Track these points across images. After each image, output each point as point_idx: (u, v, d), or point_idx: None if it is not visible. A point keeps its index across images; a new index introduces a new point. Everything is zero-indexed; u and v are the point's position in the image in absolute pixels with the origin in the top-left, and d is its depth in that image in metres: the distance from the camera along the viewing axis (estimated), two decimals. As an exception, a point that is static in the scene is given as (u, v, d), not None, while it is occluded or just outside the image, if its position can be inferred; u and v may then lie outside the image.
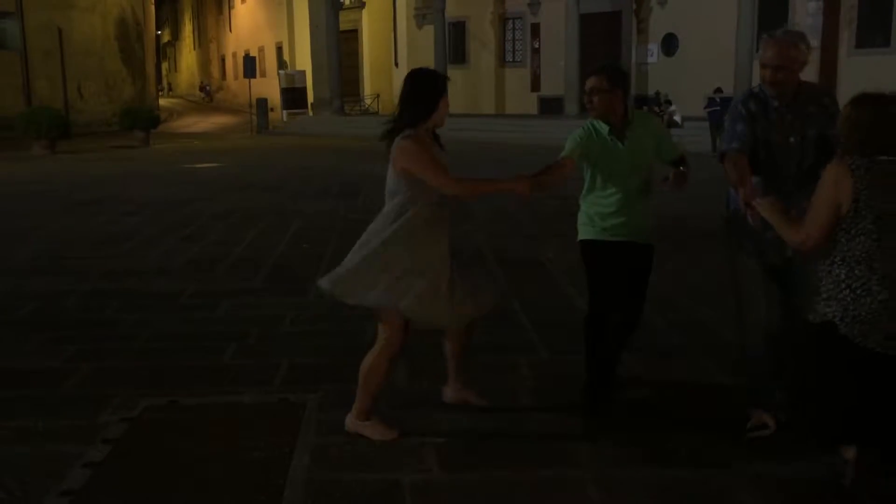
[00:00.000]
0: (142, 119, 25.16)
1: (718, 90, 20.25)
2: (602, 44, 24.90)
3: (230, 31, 50.77)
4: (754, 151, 3.85)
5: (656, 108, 21.43)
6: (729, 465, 3.68)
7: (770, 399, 3.93)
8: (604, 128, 4.14)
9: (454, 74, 30.76)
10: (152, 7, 41.85)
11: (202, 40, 58.88)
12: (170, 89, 70.12)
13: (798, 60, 3.78)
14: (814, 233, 3.22)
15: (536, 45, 28.28)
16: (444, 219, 3.91)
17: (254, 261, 8.13)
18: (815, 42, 21.56)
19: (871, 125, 3.12)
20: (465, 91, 28.08)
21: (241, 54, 40.62)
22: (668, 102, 21.92)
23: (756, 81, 4.12)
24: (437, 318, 3.87)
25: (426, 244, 3.83)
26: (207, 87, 55.45)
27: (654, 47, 25.67)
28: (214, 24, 55.03)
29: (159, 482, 3.62)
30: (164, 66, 72.43)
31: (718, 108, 18.39)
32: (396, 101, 3.95)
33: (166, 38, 72.96)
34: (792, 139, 3.81)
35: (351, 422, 4.04)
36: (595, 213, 4.21)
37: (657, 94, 23.22)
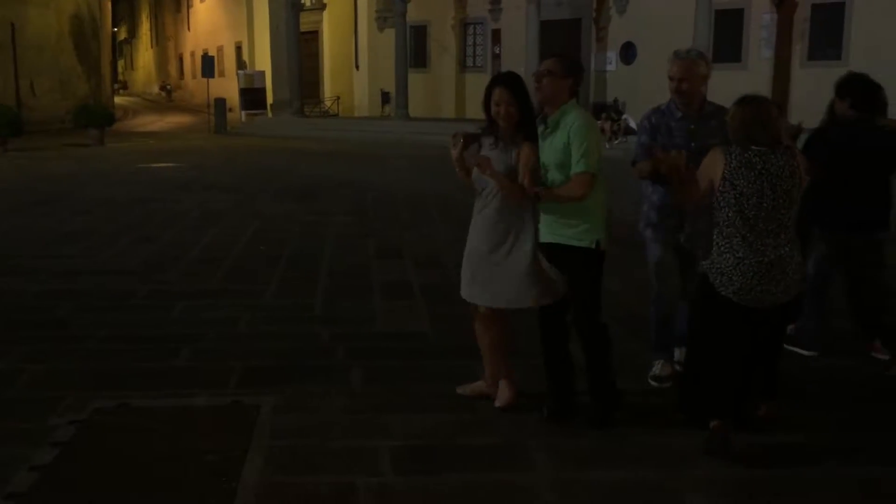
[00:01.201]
0: (97, 117, 24.66)
1: None
2: (562, 50, 25.05)
3: (188, 29, 50.18)
4: None
5: (613, 115, 21.61)
6: (686, 466, 3.72)
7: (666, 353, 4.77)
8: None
9: (414, 79, 30.50)
10: (109, 4, 41.09)
11: (160, 38, 58.14)
12: (126, 87, 69.11)
13: (699, 74, 4.42)
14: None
15: (497, 51, 28.35)
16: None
17: (210, 262, 8.05)
18: (768, 54, 21.98)
19: (751, 121, 3.78)
20: (425, 95, 28.09)
21: (199, 53, 40.11)
22: (620, 112, 22.07)
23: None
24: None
25: None
26: (168, 87, 54.78)
27: (612, 55, 25.91)
28: (172, 22, 54.37)
29: (108, 485, 3.57)
30: (121, 63, 71.39)
31: None
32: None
33: (123, 35, 71.90)
34: (693, 144, 4.34)
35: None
36: None
37: (615, 101, 23.45)
